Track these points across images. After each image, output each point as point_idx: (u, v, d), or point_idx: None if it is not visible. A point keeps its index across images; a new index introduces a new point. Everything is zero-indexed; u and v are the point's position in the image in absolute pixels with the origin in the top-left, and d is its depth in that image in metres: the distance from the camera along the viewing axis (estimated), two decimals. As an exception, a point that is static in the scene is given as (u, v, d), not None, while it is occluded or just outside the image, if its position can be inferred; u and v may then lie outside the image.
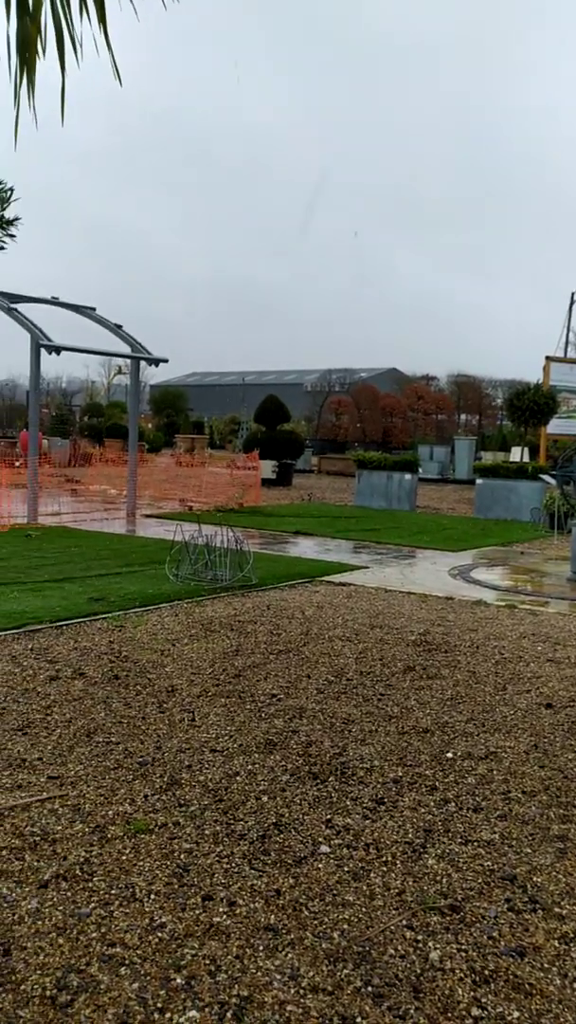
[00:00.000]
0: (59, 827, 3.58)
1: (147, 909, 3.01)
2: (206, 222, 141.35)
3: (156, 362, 17.01)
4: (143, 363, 17.63)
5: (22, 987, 2.56)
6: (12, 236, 4.79)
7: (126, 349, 16.87)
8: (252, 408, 34.81)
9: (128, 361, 18.87)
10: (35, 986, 2.57)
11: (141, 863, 3.32)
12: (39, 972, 2.64)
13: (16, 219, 4.68)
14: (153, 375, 60.02)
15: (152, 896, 3.09)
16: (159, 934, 2.86)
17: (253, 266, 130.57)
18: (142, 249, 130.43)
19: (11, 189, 4.63)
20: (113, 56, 2.28)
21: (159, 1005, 2.50)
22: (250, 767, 4.28)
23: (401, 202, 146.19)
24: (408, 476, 20.49)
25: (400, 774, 4.28)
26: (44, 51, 2.28)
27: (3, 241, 4.72)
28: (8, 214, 4.58)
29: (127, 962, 2.70)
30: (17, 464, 21.44)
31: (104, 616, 7.40)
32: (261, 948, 2.81)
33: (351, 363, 63.70)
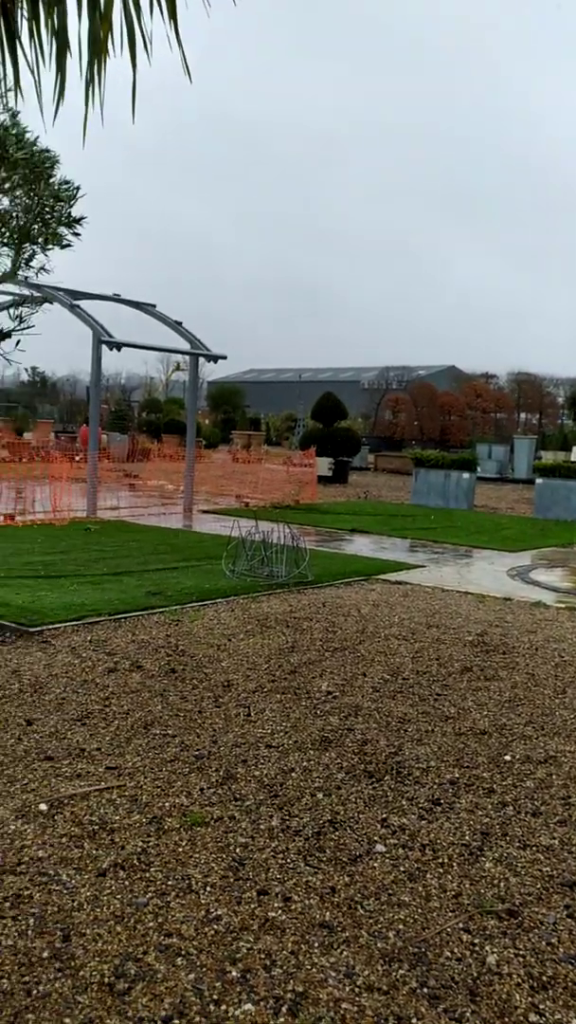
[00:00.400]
0: (117, 817, 3.63)
1: (203, 901, 3.03)
2: (264, 219, 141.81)
3: (215, 358, 17.12)
4: (201, 359, 17.76)
5: (81, 973, 2.60)
6: (77, 234, 4.86)
7: (185, 346, 17.01)
8: (309, 405, 34.81)
9: (187, 357, 19.03)
10: (94, 972, 2.61)
11: (197, 855, 3.35)
12: (97, 959, 2.67)
13: (82, 217, 4.76)
14: (211, 372, 60.48)
15: (208, 888, 3.11)
16: (215, 926, 2.88)
17: (311, 263, 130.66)
18: (200, 246, 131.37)
19: (77, 188, 4.70)
20: (183, 53, 2.30)
21: (215, 997, 2.52)
22: (305, 764, 4.28)
23: (461, 199, 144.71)
24: (466, 475, 20.29)
25: (457, 775, 4.24)
26: (118, 49, 2.31)
27: (69, 239, 4.80)
28: (74, 212, 4.66)
29: (183, 953, 2.73)
30: (77, 458, 21.79)
31: (161, 610, 7.48)
32: (316, 945, 2.81)
33: (409, 361, 63.40)
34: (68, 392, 61.92)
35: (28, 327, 4.79)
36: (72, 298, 14.74)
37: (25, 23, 2.39)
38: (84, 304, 15.03)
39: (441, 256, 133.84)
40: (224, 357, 17.21)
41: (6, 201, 4.57)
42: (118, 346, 14.56)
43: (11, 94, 4.36)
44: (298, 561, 9.20)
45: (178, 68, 2.53)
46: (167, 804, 3.77)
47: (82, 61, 2.46)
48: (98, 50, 2.23)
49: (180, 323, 16.76)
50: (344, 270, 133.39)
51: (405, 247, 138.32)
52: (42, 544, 10.93)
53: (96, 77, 2.31)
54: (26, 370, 55.06)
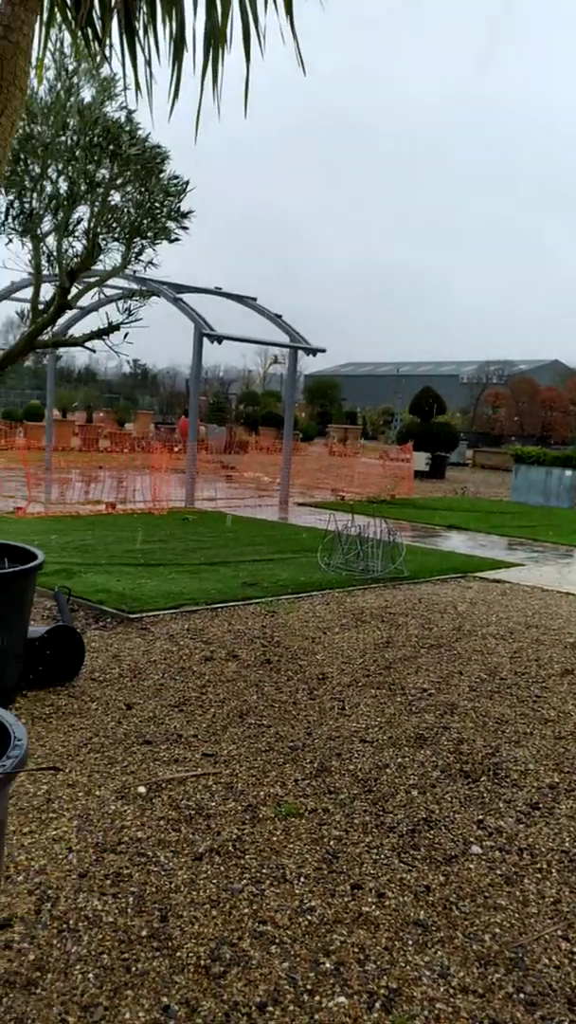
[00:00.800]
0: (213, 803, 3.68)
1: (297, 891, 3.05)
2: (364, 210, 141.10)
3: (313, 352, 17.13)
4: (300, 352, 17.80)
5: (178, 954, 2.66)
6: (185, 228, 4.94)
7: (285, 339, 17.07)
8: (406, 399, 34.51)
9: (284, 351, 19.11)
10: (190, 954, 2.65)
11: (291, 846, 3.37)
12: (194, 941, 2.72)
13: (190, 212, 4.83)
14: (308, 365, 60.46)
15: (302, 879, 3.13)
16: (308, 917, 2.89)
17: (412, 255, 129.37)
18: (298, 238, 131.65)
19: (187, 182, 4.77)
20: (299, 46, 2.30)
21: (308, 987, 2.53)
22: (400, 760, 4.26)
23: (565, 188, 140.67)
24: (568, 472, 19.74)
25: (556, 780, 4.14)
26: (229, 45, 2.33)
27: (177, 233, 4.88)
28: (182, 207, 4.74)
29: (277, 941, 2.75)
30: (176, 449, 22.19)
31: (257, 601, 7.54)
32: (410, 942, 2.79)
33: (510, 355, 62.05)
34: (168, 384, 63.00)
35: (136, 320, 4.90)
36: (175, 291, 14.98)
37: (143, 19, 2.43)
38: (186, 297, 15.25)
39: (546, 247, 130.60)
40: (323, 350, 17.20)
41: (117, 197, 4.67)
42: (219, 339, 14.72)
43: (127, 92, 4.47)
44: (394, 556, 9.14)
45: (278, 61, 2.54)
46: (262, 793, 3.81)
47: (187, 56, 2.49)
48: (216, 46, 2.26)
49: (280, 316, 16.83)
50: (445, 262, 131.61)
51: (508, 238, 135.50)
52: (142, 533, 11.17)
53: (214, 72, 2.33)
54: (128, 362, 56.30)
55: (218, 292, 16.55)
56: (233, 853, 3.28)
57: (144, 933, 2.75)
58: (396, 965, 2.67)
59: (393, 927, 2.87)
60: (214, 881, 3.08)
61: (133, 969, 2.57)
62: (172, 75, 2.53)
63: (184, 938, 2.73)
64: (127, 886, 3.01)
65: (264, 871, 3.17)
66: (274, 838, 3.42)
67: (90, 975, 2.53)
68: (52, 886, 2.98)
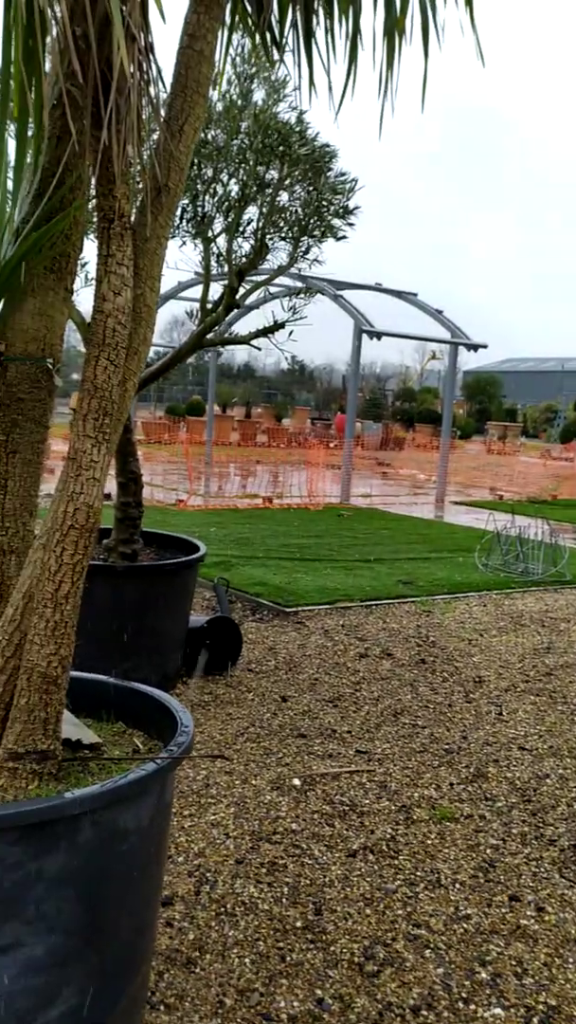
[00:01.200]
0: (366, 801, 3.69)
1: (452, 897, 3.00)
2: (524, 199, 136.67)
3: (475, 347, 16.78)
4: (460, 348, 17.48)
5: (331, 948, 2.68)
6: (351, 225, 4.96)
7: (444, 334, 16.81)
8: (570, 396, 33.26)
9: (442, 347, 18.82)
10: (344, 950, 2.67)
11: (446, 850, 3.32)
12: (347, 937, 2.74)
13: (356, 208, 4.84)
14: (466, 361, 59.22)
15: (457, 885, 3.08)
16: (464, 925, 2.85)
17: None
18: (458, 229, 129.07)
19: (355, 180, 4.79)
20: (478, 38, 2.26)
21: (463, 995, 2.49)
22: (561, 771, 4.11)
23: None
24: None
25: None
26: (409, 38, 2.31)
27: (344, 231, 4.91)
28: (350, 204, 4.77)
29: (432, 946, 2.72)
30: (332, 445, 22.31)
31: (412, 600, 7.48)
32: (571, 960, 2.69)
33: None
34: (324, 380, 63.37)
35: (301, 318, 4.96)
36: (336, 288, 15.05)
37: (322, 20, 2.45)
38: (345, 294, 15.29)
39: None
40: (484, 346, 16.81)
41: (285, 196, 4.74)
42: (378, 335, 14.68)
43: (297, 92, 4.53)
44: (556, 559, 8.83)
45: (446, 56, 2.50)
46: (415, 795, 3.78)
47: (375, 54, 2.48)
48: (393, 42, 2.25)
49: (441, 312, 16.59)
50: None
51: None
52: (297, 527, 11.31)
53: (389, 68, 2.32)
54: (287, 359, 57.03)
55: (378, 288, 16.50)
56: (387, 853, 3.27)
57: (299, 924, 2.79)
58: (555, 982, 2.58)
59: (553, 943, 2.78)
60: (367, 879, 3.08)
61: (288, 959, 2.61)
62: (349, 74, 2.53)
63: (338, 933, 2.75)
64: (282, 876, 3.06)
65: (418, 874, 3.14)
66: (428, 841, 3.39)
67: (246, 960, 2.59)
68: (210, 869, 3.07)
